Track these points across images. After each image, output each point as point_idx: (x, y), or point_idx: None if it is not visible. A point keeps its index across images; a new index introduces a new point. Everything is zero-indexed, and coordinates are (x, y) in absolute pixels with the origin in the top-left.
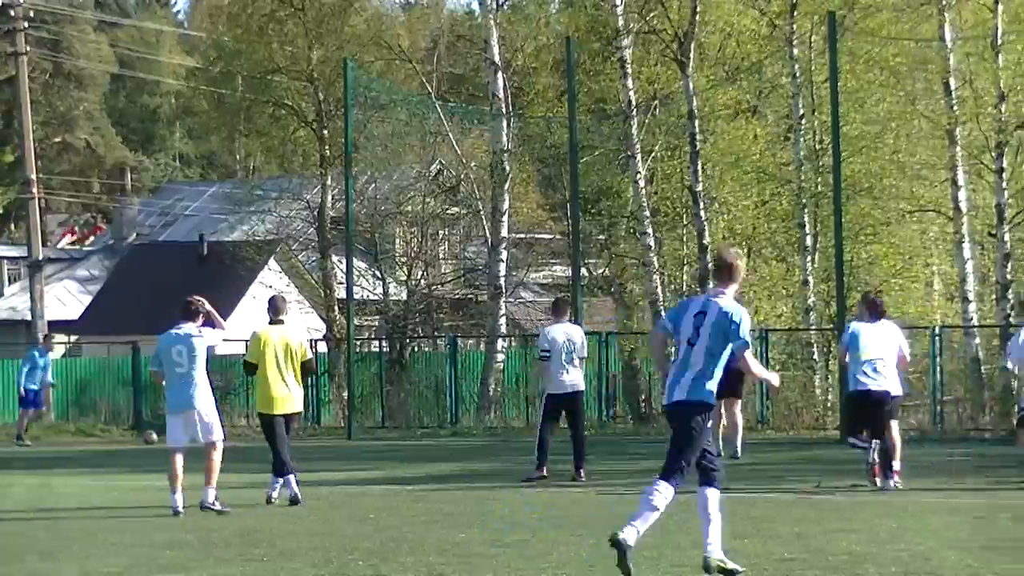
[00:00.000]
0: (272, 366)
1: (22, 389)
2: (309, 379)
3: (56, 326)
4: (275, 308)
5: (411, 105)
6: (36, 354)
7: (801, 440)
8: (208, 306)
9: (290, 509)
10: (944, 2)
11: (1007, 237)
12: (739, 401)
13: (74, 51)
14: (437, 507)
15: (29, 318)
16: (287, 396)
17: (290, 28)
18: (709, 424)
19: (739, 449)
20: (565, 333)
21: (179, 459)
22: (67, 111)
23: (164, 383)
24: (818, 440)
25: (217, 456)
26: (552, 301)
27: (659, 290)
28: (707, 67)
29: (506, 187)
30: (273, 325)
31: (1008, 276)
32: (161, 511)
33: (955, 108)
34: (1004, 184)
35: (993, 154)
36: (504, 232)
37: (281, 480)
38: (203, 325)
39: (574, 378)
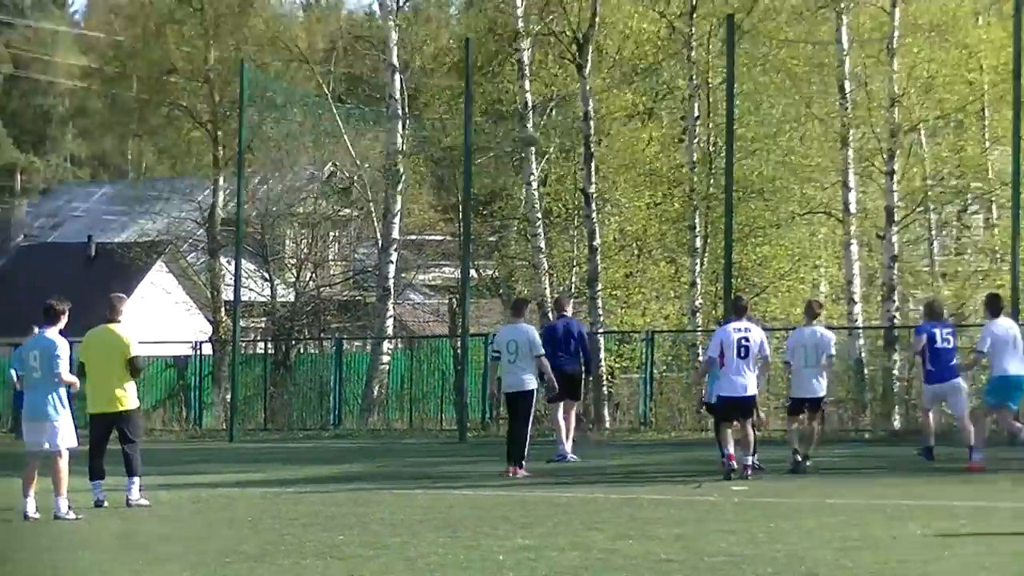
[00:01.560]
0: (98, 365)
1: None
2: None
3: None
4: (111, 307)
5: (307, 106)
6: None
7: (684, 441)
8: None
9: (169, 512)
10: (843, 5)
11: (895, 239)
12: (576, 404)
13: None
14: (317, 509)
15: None
16: (114, 395)
17: (188, 28)
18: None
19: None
20: (511, 334)
21: (35, 464)
22: None
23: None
24: (700, 441)
25: (64, 465)
26: (512, 301)
27: (547, 291)
28: (605, 69)
29: (399, 188)
30: (108, 324)
31: (894, 278)
32: (40, 512)
33: (849, 111)
34: (894, 186)
35: (884, 156)
36: (395, 234)
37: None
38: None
39: (519, 378)
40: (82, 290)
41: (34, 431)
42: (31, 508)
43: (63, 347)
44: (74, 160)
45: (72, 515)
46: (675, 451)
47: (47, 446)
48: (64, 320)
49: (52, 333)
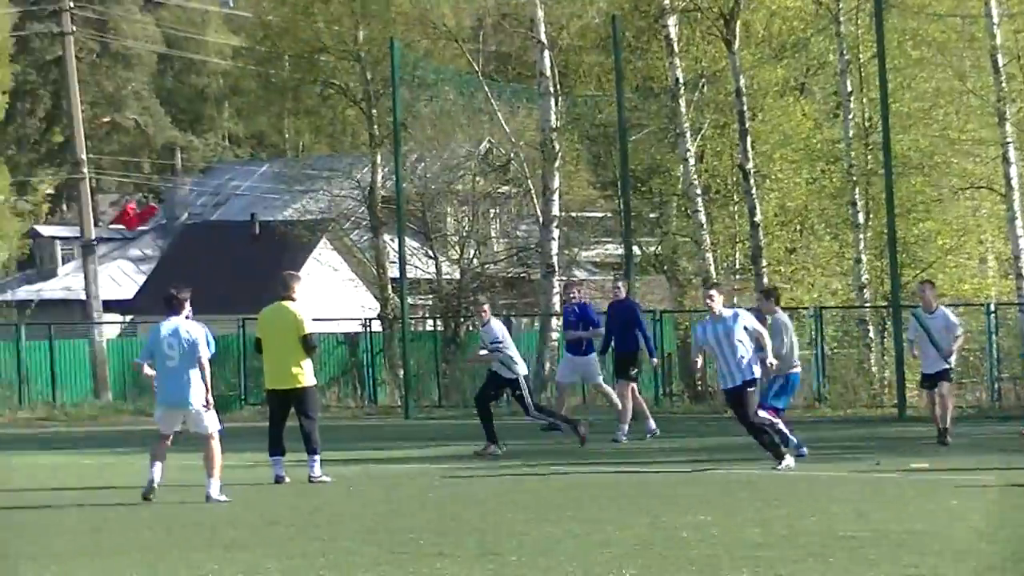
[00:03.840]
0: (273, 343)
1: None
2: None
3: (110, 306)
4: (284, 284)
5: (458, 84)
6: None
7: (858, 418)
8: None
9: (350, 489)
10: None
11: None
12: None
13: (120, 31)
14: (496, 485)
15: (84, 298)
16: (290, 372)
17: (336, 7)
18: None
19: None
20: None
21: (166, 444)
22: (115, 91)
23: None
24: (875, 418)
25: (216, 446)
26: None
27: (711, 268)
28: (753, 45)
29: (555, 165)
30: (281, 302)
31: None
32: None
33: (1004, 85)
34: None
35: None
36: (555, 211)
37: (317, 458)
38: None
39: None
40: (247, 268)
41: (170, 418)
42: (157, 475)
43: (202, 332)
44: (232, 139)
45: (224, 497)
46: (852, 427)
47: (193, 430)
48: (188, 307)
49: (180, 320)
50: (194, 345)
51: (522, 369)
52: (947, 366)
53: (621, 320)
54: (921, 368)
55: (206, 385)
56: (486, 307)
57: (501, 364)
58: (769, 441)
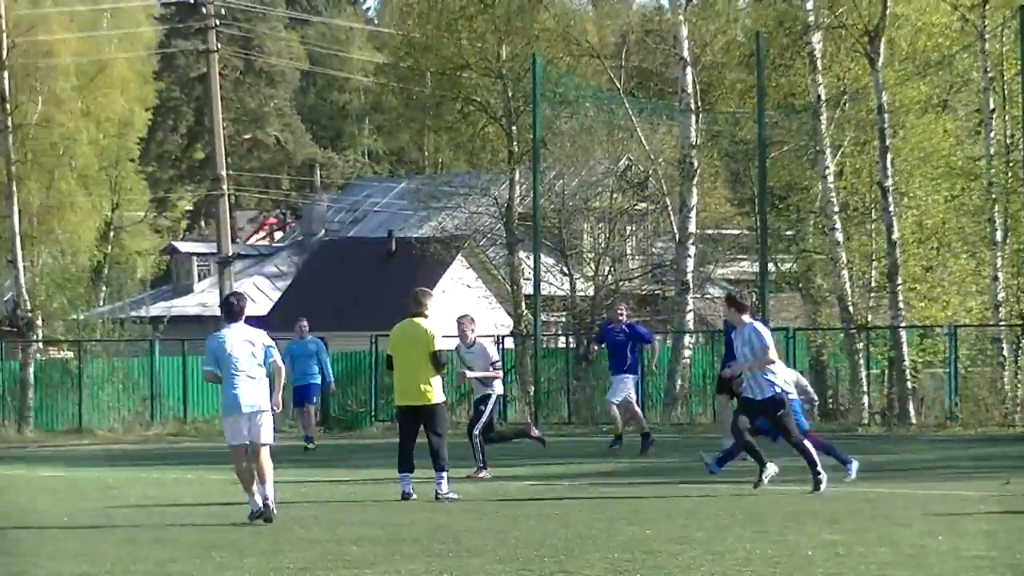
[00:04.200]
0: (404, 359)
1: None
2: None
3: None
4: (416, 300)
5: (599, 100)
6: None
7: (991, 436)
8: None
9: (476, 505)
10: None
11: None
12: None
13: (265, 48)
14: (623, 503)
15: (218, 314)
16: (420, 389)
17: (479, 24)
18: None
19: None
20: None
21: (242, 457)
22: (257, 108)
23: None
24: (1007, 437)
25: (267, 456)
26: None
27: (847, 286)
28: (897, 61)
29: (694, 182)
30: (412, 318)
31: None
32: (348, 505)
33: None
34: None
35: None
36: (692, 228)
37: (444, 475)
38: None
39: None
40: (382, 284)
41: (235, 427)
42: (258, 500)
43: (267, 340)
44: (371, 155)
45: (274, 509)
46: (983, 446)
47: (252, 439)
48: (244, 315)
49: (242, 327)
50: (267, 350)
51: (499, 388)
52: None
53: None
54: None
55: (275, 390)
56: (473, 326)
57: (478, 381)
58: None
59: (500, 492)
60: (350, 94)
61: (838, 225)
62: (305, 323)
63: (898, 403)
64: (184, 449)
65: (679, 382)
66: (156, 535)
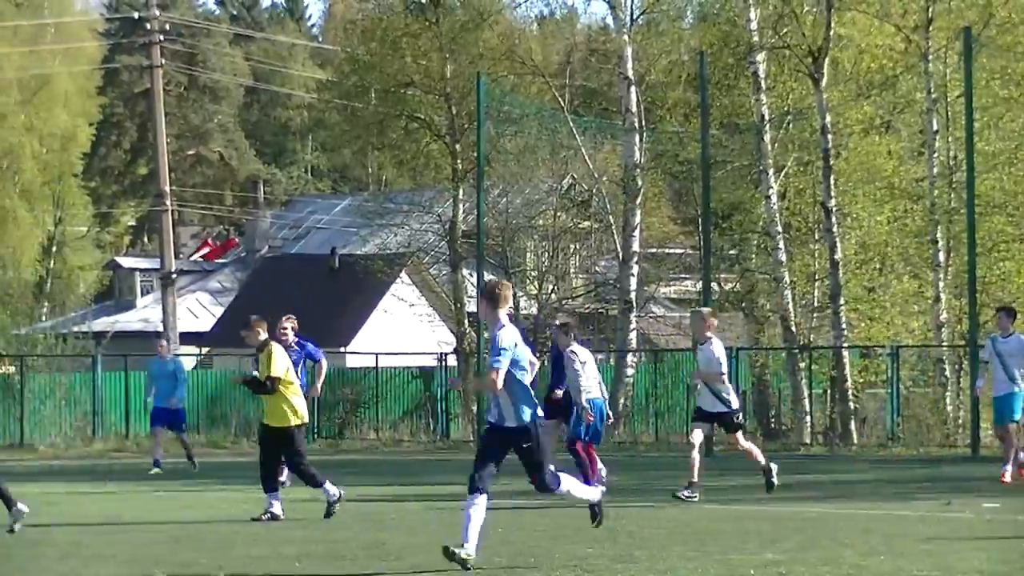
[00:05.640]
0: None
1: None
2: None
3: (188, 338)
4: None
5: (543, 119)
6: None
7: (932, 457)
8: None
9: (417, 523)
10: None
11: None
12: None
13: (209, 64)
14: (565, 522)
15: (161, 329)
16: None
17: (424, 42)
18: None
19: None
20: None
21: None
22: (201, 124)
23: None
24: (948, 457)
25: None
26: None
27: (790, 305)
28: (841, 82)
29: (638, 201)
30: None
31: None
32: (288, 523)
33: None
34: None
35: None
36: (635, 247)
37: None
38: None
39: None
40: (326, 301)
41: None
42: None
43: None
44: (314, 172)
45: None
46: (924, 467)
47: None
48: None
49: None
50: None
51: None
52: (1017, 389)
53: None
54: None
55: None
56: None
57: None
58: None
59: (442, 508)
60: (293, 111)
61: (781, 245)
62: (165, 342)
63: (840, 423)
64: (125, 465)
65: (621, 401)
66: (97, 551)
